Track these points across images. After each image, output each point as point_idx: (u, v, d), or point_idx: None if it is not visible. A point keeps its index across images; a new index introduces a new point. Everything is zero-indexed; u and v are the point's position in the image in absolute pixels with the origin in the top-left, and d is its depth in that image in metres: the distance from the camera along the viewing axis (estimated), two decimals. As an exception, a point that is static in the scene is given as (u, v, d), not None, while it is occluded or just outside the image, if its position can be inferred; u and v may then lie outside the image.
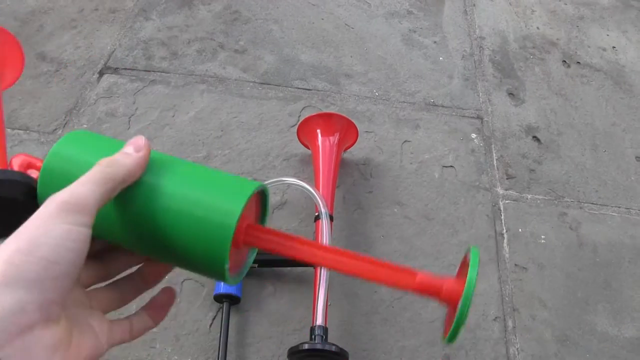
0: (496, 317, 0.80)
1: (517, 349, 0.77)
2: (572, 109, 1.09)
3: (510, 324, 0.80)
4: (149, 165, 0.37)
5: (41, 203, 0.36)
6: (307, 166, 0.91)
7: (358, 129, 0.89)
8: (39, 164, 0.44)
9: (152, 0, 1.18)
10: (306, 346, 0.66)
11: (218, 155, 0.92)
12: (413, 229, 0.87)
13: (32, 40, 1.07)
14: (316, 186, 0.82)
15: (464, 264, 0.40)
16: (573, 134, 1.05)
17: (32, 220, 0.31)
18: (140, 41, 1.10)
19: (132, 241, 0.39)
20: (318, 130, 0.86)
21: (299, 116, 0.99)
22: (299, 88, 1.04)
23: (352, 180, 0.91)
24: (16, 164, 0.46)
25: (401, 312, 0.79)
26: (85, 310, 0.37)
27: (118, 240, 0.40)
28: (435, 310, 0.79)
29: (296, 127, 0.90)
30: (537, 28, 1.26)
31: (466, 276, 0.36)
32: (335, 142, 0.85)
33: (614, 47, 1.24)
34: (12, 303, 0.28)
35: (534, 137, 1.03)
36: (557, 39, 1.24)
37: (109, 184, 0.33)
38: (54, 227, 0.30)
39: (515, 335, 0.79)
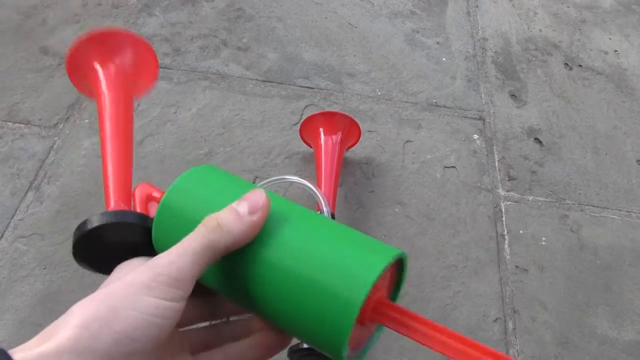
0: (496, 319, 0.80)
1: (517, 350, 0.77)
2: (573, 111, 1.09)
3: (510, 325, 0.80)
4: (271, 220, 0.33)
5: (156, 243, 0.36)
6: (309, 164, 0.91)
7: (360, 128, 0.88)
8: (158, 195, 0.43)
9: (155, -4, 1.18)
10: (306, 345, 0.66)
11: (220, 152, 0.92)
12: (414, 228, 0.87)
13: (35, 34, 1.06)
14: (318, 185, 0.82)
15: None
16: (574, 136, 1.05)
17: (122, 284, 0.28)
18: (143, 37, 1.09)
19: (238, 300, 0.35)
20: (321, 129, 0.86)
21: (302, 114, 0.99)
22: (301, 86, 1.04)
23: (354, 179, 0.91)
24: (138, 196, 0.44)
25: (402, 312, 0.78)
26: (169, 355, 0.33)
27: (223, 294, 0.36)
28: (435, 311, 0.79)
29: (298, 125, 0.90)
30: (540, 30, 1.26)
31: None
32: (338, 140, 0.85)
33: (615, 50, 1.25)
34: None
35: (536, 139, 1.03)
36: (560, 42, 1.24)
37: (211, 254, 0.30)
38: (142, 298, 0.28)
39: (516, 337, 0.79)
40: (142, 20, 1.12)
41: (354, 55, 1.12)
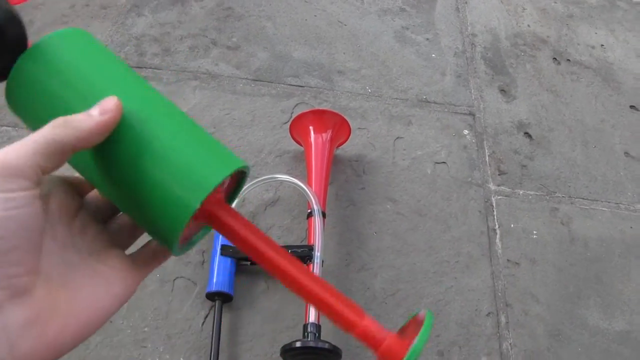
0: (489, 313, 0.80)
1: (510, 344, 0.78)
2: (562, 105, 1.10)
3: (503, 319, 0.80)
4: (127, 119, 0.33)
5: (10, 93, 0.34)
6: (299, 163, 0.91)
7: (351, 125, 0.89)
8: None
9: (143, -3, 1.18)
10: (299, 344, 0.66)
11: (211, 152, 0.92)
12: (406, 225, 0.87)
13: (23, 36, 1.06)
14: (309, 183, 0.82)
15: (414, 323, 0.37)
16: (564, 130, 1.06)
17: None
18: (132, 37, 1.09)
19: (102, 192, 0.36)
20: (310, 127, 0.86)
21: (292, 113, 0.99)
22: (291, 85, 1.04)
23: (344, 176, 0.91)
24: None
25: (394, 308, 0.79)
26: (92, 257, 0.34)
27: (87, 177, 0.36)
28: (428, 306, 0.80)
29: (289, 124, 0.90)
30: (528, 26, 1.27)
31: (411, 339, 0.33)
32: (328, 138, 0.85)
33: (602, 45, 1.25)
34: None
35: (526, 133, 1.04)
36: (548, 37, 1.25)
37: (54, 148, 0.30)
38: None
39: (509, 331, 0.79)
40: (131, 21, 1.12)
41: (344, 53, 1.12)
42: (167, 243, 0.34)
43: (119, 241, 0.37)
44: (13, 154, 0.28)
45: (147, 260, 0.37)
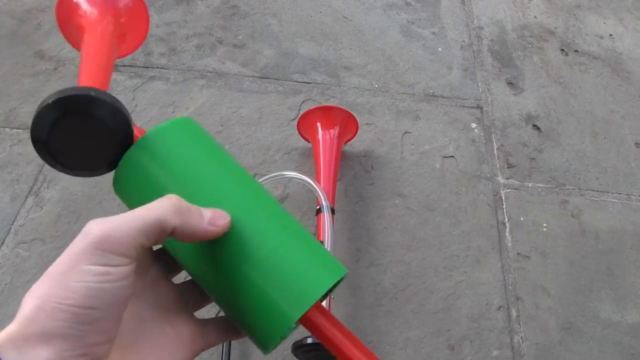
0: (500, 307, 0.80)
1: (522, 337, 0.78)
2: (571, 97, 1.09)
3: (514, 312, 0.80)
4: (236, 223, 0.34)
5: (118, 182, 0.36)
6: (308, 159, 0.91)
7: (358, 121, 0.88)
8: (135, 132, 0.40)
9: (149, -3, 1.18)
10: (310, 340, 0.66)
11: (219, 150, 0.92)
12: (415, 220, 0.87)
13: (30, 38, 1.06)
14: (317, 179, 0.82)
15: None
16: (573, 121, 1.05)
17: (64, 259, 0.28)
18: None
19: (197, 276, 0.37)
20: (318, 124, 0.86)
21: (299, 110, 0.99)
22: (298, 82, 1.04)
23: (353, 172, 0.91)
24: None
25: (405, 303, 0.79)
26: (162, 316, 0.35)
27: (185, 268, 0.37)
28: (438, 302, 0.79)
29: (296, 120, 0.90)
30: (535, 17, 1.26)
31: None
32: (336, 135, 0.85)
33: (611, 34, 1.24)
34: (48, 356, 0.27)
35: (534, 125, 1.03)
36: (555, 28, 1.24)
37: (160, 231, 0.31)
38: (86, 269, 0.28)
39: (520, 324, 0.79)
40: (137, 21, 1.12)
41: (350, 49, 1.12)
42: (260, 344, 0.35)
43: (188, 300, 0.38)
44: (121, 229, 0.29)
45: (219, 333, 0.38)
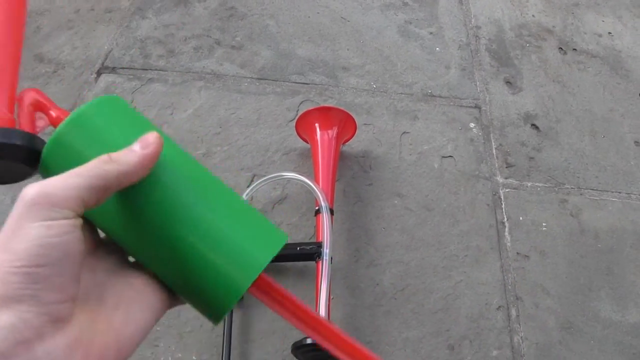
0: (499, 306, 0.80)
1: (521, 337, 0.78)
2: (569, 95, 1.09)
3: (513, 312, 0.80)
4: (167, 165, 0.34)
5: (43, 172, 0.35)
6: (306, 160, 0.91)
7: (356, 121, 0.88)
8: (51, 111, 0.40)
9: (147, -1, 1.18)
10: (309, 340, 0.66)
11: (217, 151, 0.92)
12: (414, 220, 0.87)
13: (30, 41, 1.07)
14: (316, 180, 0.82)
15: None
16: (571, 120, 1.05)
17: (11, 222, 0.28)
18: (137, 40, 1.09)
19: (133, 249, 0.36)
20: (316, 124, 0.86)
21: (297, 110, 0.99)
22: (296, 82, 1.04)
23: (351, 173, 0.91)
24: (25, 103, 0.41)
25: (404, 303, 0.79)
26: (121, 276, 0.34)
27: (119, 242, 0.36)
28: (437, 301, 0.79)
29: (294, 121, 0.90)
30: (533, 16, 1.26)
31: None
32: (334, 135, 0.85)
33: (609, 32, 1.24)
34: (9, 320, 0.27)
35: (533, 124, 1.03)
36: (553, 26, 1.24)
37: (99, 181, 0.30)
38: (30, 225, 0.28)
39: (519, 324, 0.79)
40: (135, 24, 1.12)
41: (348, 49, 1.12)
42: (210, 316, 0.35)
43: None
44: (58, 186, 0.29)
45: None
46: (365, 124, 0.98)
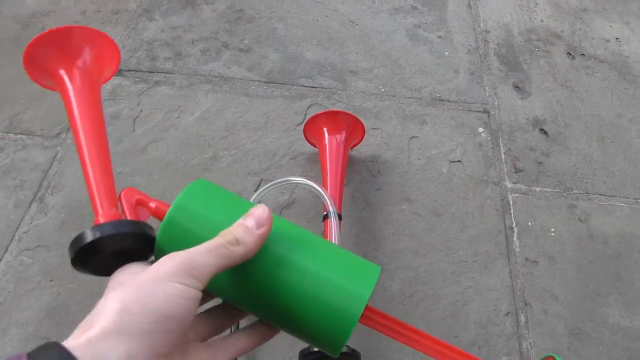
0: (508, 312, 0.80)
1: (530, 343, 0.77)
2: (578, 100, 1.09)
3: (522, 318, 0.79)
4: (273, 234, 0.39)
5: (158, 253, 0.41)
6: (314, 164, 0.91)
7: (365, 126, 0.88)
8: (150, 203, 0.45)
9: (155, 1, 1.18)
10: (317, 348, 0.66)
11: (224, 155, 0.92)
12: (422, 225, 0.87)
13: (36, 44, 1.06)
14: (324, 185, 0.81)
15: None
16: (580, 125, 1.05)
17: (150, 275, 0.33)
18: (144, 42, 1.09)
19: (248, 306, 0.41)
20: (324, 129, 0.85)
21: (305, 114, 0.98)
22: (304, 86, 1.04)
23: (360, 177, 0.91)
24: (126, 203, 0.46)
25: (412, 309, 0.78)
26: (184, 346, 0.38)
27: (234, 301, 0.42)
28: (446, 307, 0.79)
29: (302, 125, 0.90)
30: (541, 21, 1.25)
31: None
32: (342, 140, 0.85)
33: (617, 38, 1.24)
34: (123, 352, 0.30)
35: (541, 129, 1.03)
36: (561, 31, 1.23)
37: (227, 261, 0.36)
38: (170, 284, 0.33)
39: (528, 330, 0.78)
40: (143, 25, 1.12)
41: (356, 53, 1.12)
42: (329, 350, 0.41)
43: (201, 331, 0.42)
44: (198, 260, 0.34)
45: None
46: (373, 128, 0.98)
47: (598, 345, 0.78)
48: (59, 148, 0.91)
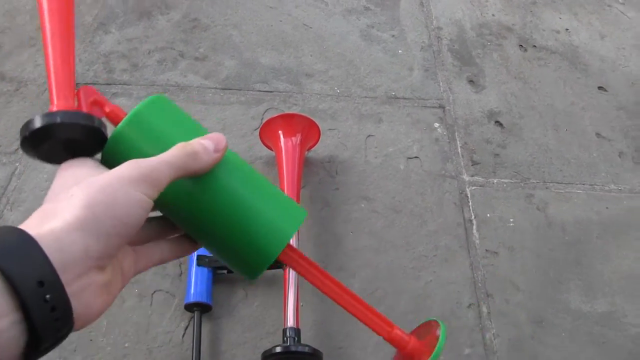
0: (470, 304, 0.80)
1: (493, 334, 0.78)
2: (531, 91, 1.11)
3: (484, 309, 0.80)
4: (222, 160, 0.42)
5: (107, 154, 0.42)
6: (272, 168, 0.91)
7: (320, 127, 0.89)
8: (105, 107, 0.46)
9: (110, 14, 1.17)
10: (279, 349, 0.66)
11: (183, 164, 0.91)
12: (381, 222, 0.87)
13: (-11, 61, 1.05)
14: (281, 187, 0.82)
15: (428, 328, 0.52)
16: (534, 115, 1.06)
17: (114, 178, 0.35)
18: (101, 55, 1.08)
19: (183, 220, 0.44)
20: (280, 132, 0.86)
21: (262, 119, 0.99)
22: (260, 91, 1.04)
23: (318, 178, 0.91)
24: (84, 99, 0.45)
25: (375, 306, 0.77)
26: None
27: (171, 215, 0.44)
28: (408, 303, 0.80)
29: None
30: (493, 15, 1.27)
31: (430, 342, 0.48)
32: (298, 142, 0.85)
33: (567, 29, 1.26)
34: (82, 247, 0.32)
35: (497, 121, 1.04)
36: (513, 25, 1.25)
37: (182, 172, 0.38)
38: (133, 192, 0.35)
39: (491, 321, 0.79)
40: (99, 39, 1.12)
41: (311, 56, 1.12)
42: (250, 273, 0.45)
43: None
44: (158, 170, 0.37)
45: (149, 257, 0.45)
46: (330, 129, 0.98)
47: (561, 331, 0.79)
48: (17, 164, 0.90)
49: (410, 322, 0.77)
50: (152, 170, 0.36)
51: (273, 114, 0.98)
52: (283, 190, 0.80)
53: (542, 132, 1.03)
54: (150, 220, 0.44)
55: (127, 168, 0.36)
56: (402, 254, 0.84)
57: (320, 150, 0.94)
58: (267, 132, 0.87)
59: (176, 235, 0.47)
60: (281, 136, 0.86)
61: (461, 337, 0.77)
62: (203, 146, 0.39)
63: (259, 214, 0.43)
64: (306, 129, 0.87)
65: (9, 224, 0.83)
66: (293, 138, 0.85)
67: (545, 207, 0.92)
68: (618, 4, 1.34)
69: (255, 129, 0.96)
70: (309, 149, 0.92)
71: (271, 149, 0.90)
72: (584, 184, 0.97)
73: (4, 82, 1.02)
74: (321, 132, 0.89)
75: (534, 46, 1.20)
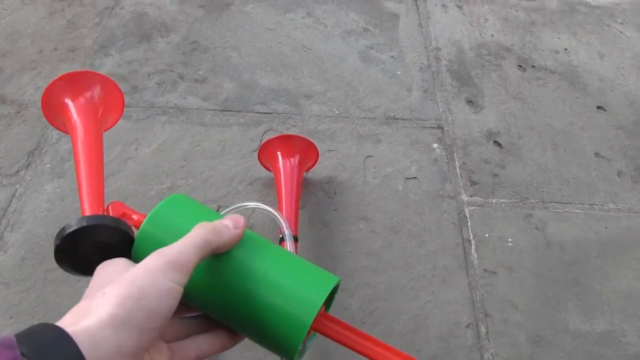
0: (468, 324, 0.80)
1: (492, 354, 0.78)
2: (530, 111, 1.11)
3: (483, 329, 0.80)
4: (241, 241, 0.42)
5: (138, 253, 0.43)
6: (271, 189, 0.92)
7: (319, 148, 0.89)
8: (133, 215, 0.48)
9: (111, 37, 1.19)
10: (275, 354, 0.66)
11: (182, 184, 0.92)
12: (380, 242, 0.88)
13: (-9, 85, 1.07)
14: (279, 208, 0.82)
15: None
16: (533, 135, 1.07)
17: (142, 270, 0.35)
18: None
19: (211, 307, 0.43)
20: (278, 153, 0.86)
21: (261, 140, 0.99)
22: (259, 112, 1.05)
23: (316, 199, 0.92)
24: (112, 212, 0.48)
25: (373, 327, 0.79)
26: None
27: (198, 304, 0.44)
28: (406, 323, 0.79)
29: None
30: (492, 35, 1.28)
31: None
32: (296, 163, 0.86)
33: (565, 49, 1.27)
34: (115, 343, 0.32)
35: (495, 141, 1.05)
36: (511, 45, 1.26)
37: (207, 249, 0.38)
38: (161, 281, 0.35)
39: (489, 341, 0.79)
40: (99, 61, 1.13)
41: (310, 77, 1.13)
42: (286, 355, 0.43)
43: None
44: (184, 253, 0.37)
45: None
46: (328, 150, 0.99)
47: (559, 351, 0.79)
48: (17, 186, 0.91)
49: (408, 342, 0.77)
50: (178, 255, 0.36)
51: (272, 135, 0.98)
52: (281, 211, 0.80)
53: (541, 152, 1.04)
54: (187, 318, 0.45)
55: (153, 258, 0.36)
56: (401, 274, 0.84)
57: (319, 171, 0.95)
58: (265, 153, 0.88)
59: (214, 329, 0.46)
60: (280, 157, 0.86)
61: (459, 357, 0.77)
62: (223, 224, 0.41)
63: (280, 289, 0.42)
64: (304, 150, 0.88)
65: (9, 245, 0.83)
66: (291, 159, 0.86)
67: (544, 227, 0.92)
68: (617, 24, 1.36)
69: (254, 150, 0.97)
70: (307, 170, 0.92)
71: (270, 170, 0.91)
72: (582, 204, 0.97)
73: (5, 104, 1.03)
74: (320, 153, 0.90)
75: (533, 66, 1.21)
